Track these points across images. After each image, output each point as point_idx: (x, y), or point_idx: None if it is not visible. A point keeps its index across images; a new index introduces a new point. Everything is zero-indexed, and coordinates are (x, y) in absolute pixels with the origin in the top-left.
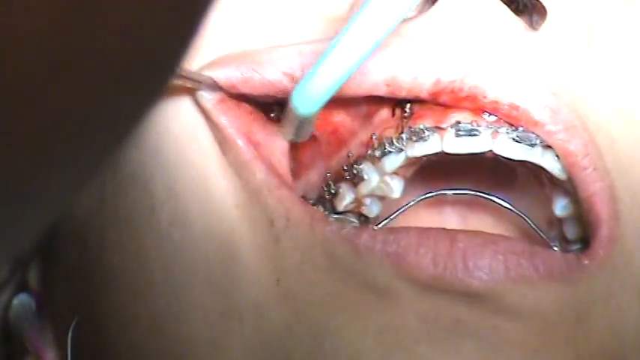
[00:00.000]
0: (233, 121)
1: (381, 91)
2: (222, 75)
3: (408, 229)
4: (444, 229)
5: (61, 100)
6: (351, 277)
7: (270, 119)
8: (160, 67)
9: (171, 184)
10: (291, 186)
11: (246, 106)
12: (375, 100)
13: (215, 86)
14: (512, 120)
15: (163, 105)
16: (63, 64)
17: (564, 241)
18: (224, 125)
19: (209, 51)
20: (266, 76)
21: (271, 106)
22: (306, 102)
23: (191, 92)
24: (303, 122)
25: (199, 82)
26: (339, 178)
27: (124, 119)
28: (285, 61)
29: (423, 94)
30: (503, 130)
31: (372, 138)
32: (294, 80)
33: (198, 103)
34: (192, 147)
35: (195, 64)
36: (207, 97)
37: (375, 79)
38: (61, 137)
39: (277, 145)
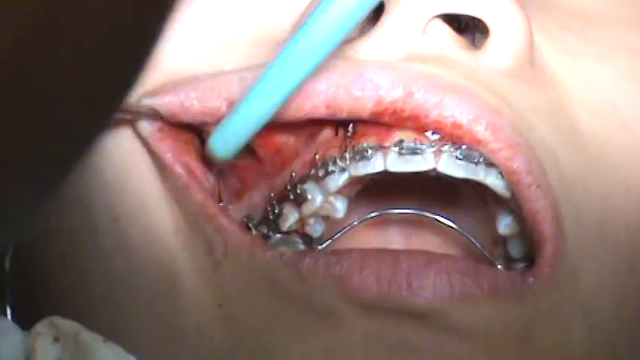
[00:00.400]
0: (171, 148)
1: (322, 114)
2: (163, 104)
3: (350, 250)
4: (387, 249)
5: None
6: (294, 300)
7: None
8: (114, 89)
9: (113, 210)
10: (229, 213)
11: (184, 133)
12: (318, 120)
13: (155, 115)
14: (455, 138)
15: (110, 135)
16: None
17: (509, 259)
18: (161, 152)
19: (149, 78)
20: (207, 105)
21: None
22: (224, 148)
23: (131, 122)
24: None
25: (139, 112)
26: (282, 198)
27: (80, 139)
28: (226, 87)
29: (365, 115)
30: (446, 148)
31: (315, 157)
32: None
33: (136, 132)
34: (132, 173)
35: (134, 92)
36: (145, 125)
37: (314, 102)
38: (17, 155)
39: (214, 169)
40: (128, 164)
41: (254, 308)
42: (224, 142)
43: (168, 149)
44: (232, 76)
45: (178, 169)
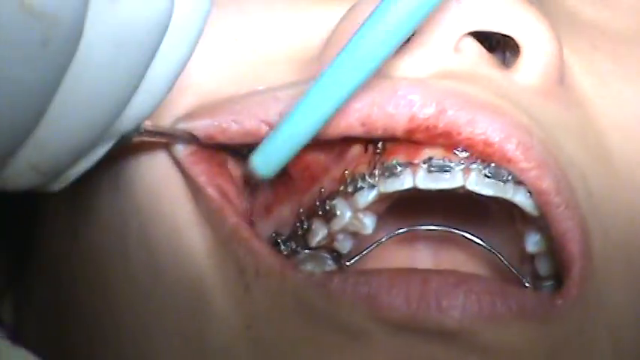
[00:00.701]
0: (204, 171)
1: (357, 132)
2: (200, 127)
3: (379, 270)
4: (416, 269)
5: None
6: (324, 320)
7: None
8: None
9: (144, 232)
10: (259, 234)
11: (217, 156)
12: (349, 139)
13: (191, 139)
14: (485, 156)
15: (138, 155)
16: None
17: (537, 277)
18: (196, 175)
19: (184, 101)
20: (244, 126)
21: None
22: (265, 167)
23: (166, 146)
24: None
25: (175, 137)
26: (311, 214)
27: None
28: (261, 108)
29: (399, 133)
30: (475, 166)
31: (344, 174)
32: (272, 127)
33: (171, 154)
34: (165, 196)
35: (169, 115)
36: (179, 149)
37: (350, 120)
38: None
39: (246, 188)
40: (161, 188)
41: (283, 329)
42: (266, 161)
43: (202, 172)
44: (266, 95)
45: (211, 191)
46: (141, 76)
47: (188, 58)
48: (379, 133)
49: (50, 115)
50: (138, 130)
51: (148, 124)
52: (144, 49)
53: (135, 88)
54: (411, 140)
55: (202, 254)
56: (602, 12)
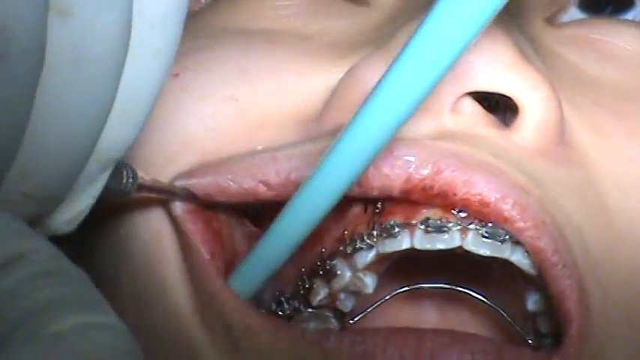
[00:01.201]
0: (199, 230)
1: (354, 192)
2: (199, 186)
3: (377, 329)
4: (412, 328)
5: None
6: None
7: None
8: None
9: (137, 291)
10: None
11: (212, 215)
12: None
13: (190, 196)
14: (482, 216)
15: (135, 209)
16: None
17: (538, 334)
18: (190, 233)
19: (184, 159)
20: (243, 185)
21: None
22: (244, 287)
23: (164, 203)
24: None
25: (174, 193)
26: (313, 273)
27: None
28: (259, 169)
29: (395, 193)
30: (472, 226)
31: (344, 234)
32: (269, 187)
33: (167, 211)
34: (156, 253)
35: (169, 172)
36: (177, 205)
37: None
38: None
39: (241, 248)
40: (153, 245)
41: None
42: (243, 285)
43: (196, 231)
44: (265, 156)
45: (203, 251)
46: (109, 94)
47: (164, 76)
48: (375, 193)
49: (28, 137)
50: (136, 185)
51: (147, 179)
52: (104, 65)
53: (105, 106)
54: (409, 200)
55: (189, 311)
56: (606, 69)
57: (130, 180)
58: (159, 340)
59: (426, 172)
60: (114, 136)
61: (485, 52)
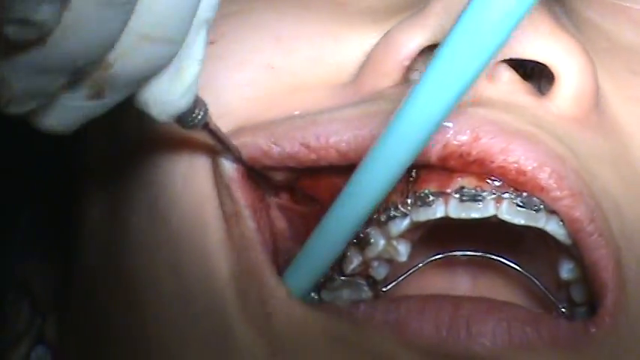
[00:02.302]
0: (246, 196)
1: None
2: (244, 149)
3: (410, 296)
4: (447, 295)
5: None
6: (350, 347)
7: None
8: None
9: (175, 258)
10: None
11: (253, 185)
12: None
13: (237, 157)
14: (518, 185)
15: (177, 177)
16: None
17: (572, 303)
18: (238, 198)
19: (221, 127)
20: (285, 149)
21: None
22: (299, 286)
23: (213, 155)
24: None
25: (229, 148)
26: None
27: None
28: (300, 131)
29: (433, 159)
30: (507, 195)
31: None
32: (310, 150)
33: (217, 174)
34: (197, 221)
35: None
36: (227, 168)
37: None
38: None
39: (279, 223)
40: (197, 212)
41: (308, 357)
42: (297, 284)
43: (244, 196)
44: (306, 119)
45: (249, 219)
46: None
47: None
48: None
49: None
50: (204, 121)
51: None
52: None
53: None
54: (445, 167)
55: (226, 280)
56: None
57: (200, 115)
58: (194, 308)
59: (464, 138)
60: None
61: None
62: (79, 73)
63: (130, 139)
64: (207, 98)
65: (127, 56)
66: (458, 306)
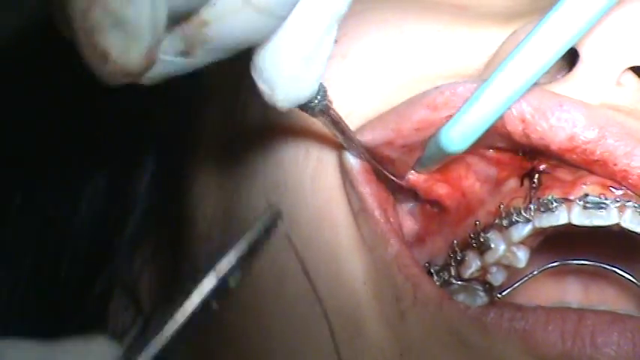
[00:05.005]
0: (374, 192)
1: (515, 129)
2: (370, 137)
3: (535, 307)
4: (569, 307)
5: None
6: (477, 353)
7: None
8: None
9: (304, 258)
10: (418, 263)
11: (380, 182)
12: (505, 168)
13: (361, 152)
14: (637, 190)
15: (304, 180)
16: None
17: None
18: (366, 195)
19: (355, 118)
20: (414, 118)
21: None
22: (460, 140)
23: (338, 149)
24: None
25: (350, 139)
26: (465, 245)
27: None
28: (422, 97)
29: (553, 147)
30: (630, 204)
31: (499, 207)
32: (435, 110)
33: (343, 171)
34: (327, 221)
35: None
36: (353, 164)
37: (513, 116)
38: None
39: (406, 220)
40: (324, 213)
41: (435, 357)
42: (460, 135)
43: (371, 193)
44: (432, 90)
45: (379, 215)
46: None
47: None
48: (534, 139)
49: None
50: (323, 105)
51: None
52: None
53: None
54: (562, 159)
55: (360, 281)
56: None
57: (319, 98)
58: (321, 309)
59: (591, 135)
60: None
61: None
62: (176, 20)
63: (250, 132)
64: (334, 97)
65: (226, 18)
66: (582, 317)
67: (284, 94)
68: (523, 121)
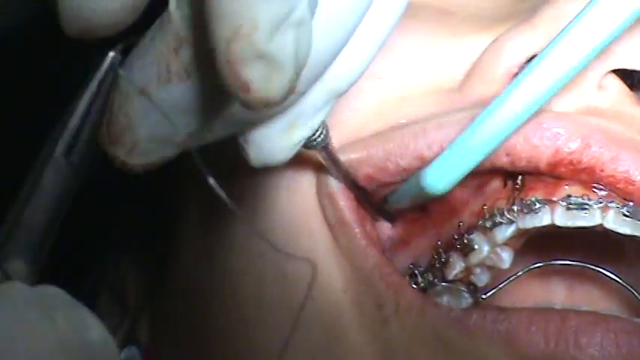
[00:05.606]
0: (352, 206)
1: (502, 162)
2: (359, 165)
3: (518, 309)
4: (552, 308)
5: None
6: (462, 356)
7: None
8: None
9: (281, 266)
10: (398, 269)
11: (358, 193)
12: (488, 171)
13: (347, 175)
14: (625, 195)
15: (280, 185)
16: None
17: None
18: (345, 210)
19: (337, 133)
20: (400, 164)
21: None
22: (442, 182)
23: (319, 171)
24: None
25: (345, 174)
26: (449, 247)
27: None
28: (413, 142)
29: (542, 165)
30: (613, 205)
31: (483, 209)
32: (424, 162)
33: (321, 187)
34: (304, 231)
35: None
36: (333, 182)
37: (496, 150)
38: None
39: (385, 227)
40: (301, 223)
41: None
42: (442, 178)
43: (350, 208)
44: (416, 127)
45: (357, 228)
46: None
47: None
48: (523, 164)
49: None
50: (325, 143)
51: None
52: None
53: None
54: (553, 175)
55: (339, 290)
56: None
57: (321, 136)
58: (304, 317)
59: (574, 145)
60: (342, 68)
61: (631, 29)
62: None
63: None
64: None
65: None
66: (565, 317)
67: (256, 151)
68: (508, 154)
